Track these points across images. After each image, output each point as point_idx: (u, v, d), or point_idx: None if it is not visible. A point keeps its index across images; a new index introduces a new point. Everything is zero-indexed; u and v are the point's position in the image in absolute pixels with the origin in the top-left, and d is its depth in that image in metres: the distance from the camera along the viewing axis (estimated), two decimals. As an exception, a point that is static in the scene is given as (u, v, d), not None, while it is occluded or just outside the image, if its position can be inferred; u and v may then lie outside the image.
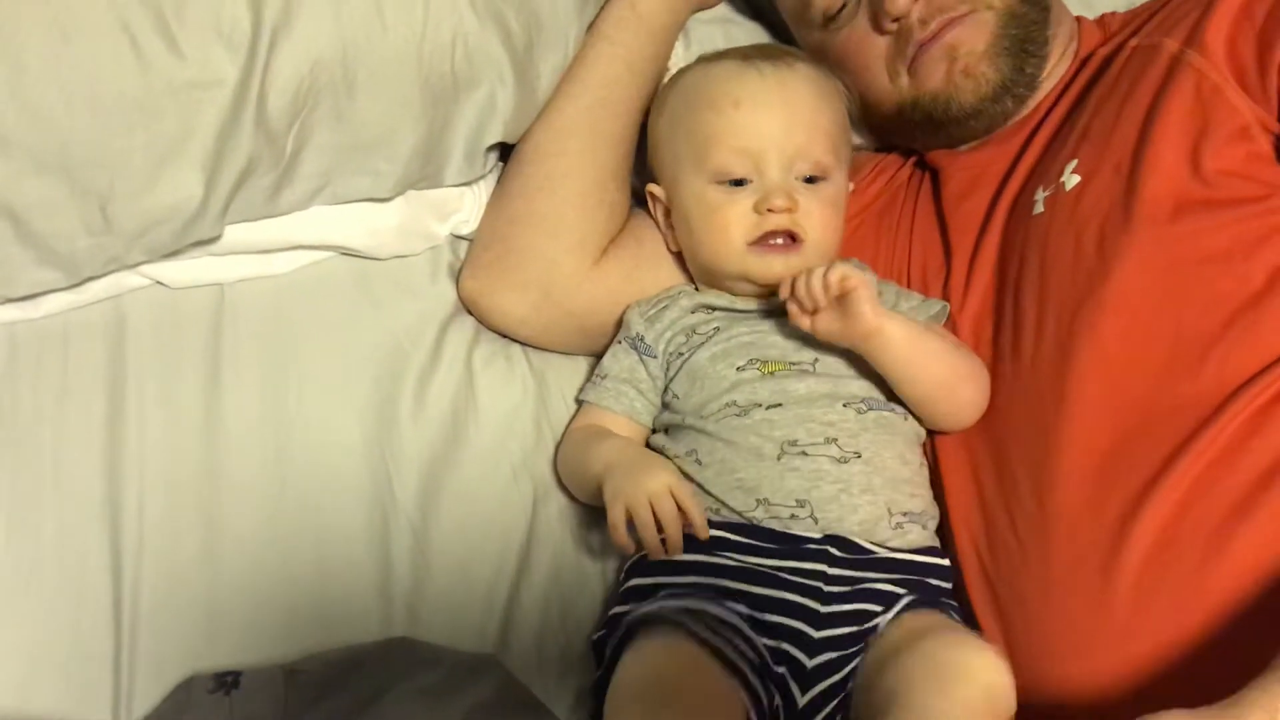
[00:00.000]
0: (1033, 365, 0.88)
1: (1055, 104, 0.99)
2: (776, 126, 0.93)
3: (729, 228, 0.93)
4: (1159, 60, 0.91)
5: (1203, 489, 0.77)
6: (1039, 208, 0.92)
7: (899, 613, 0.85)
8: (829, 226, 0.94)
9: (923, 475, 0.93)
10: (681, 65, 1.05)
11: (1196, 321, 0.82)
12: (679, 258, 1.02)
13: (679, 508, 0.84)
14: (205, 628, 0.87)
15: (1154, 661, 0.76)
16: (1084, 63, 1.00)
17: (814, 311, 0.88)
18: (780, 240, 0.93)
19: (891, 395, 0.93)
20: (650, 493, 0.84)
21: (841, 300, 0.86)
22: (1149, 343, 0.83)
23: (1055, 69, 1.01)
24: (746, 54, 0.98)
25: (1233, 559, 0.75)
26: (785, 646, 0.82)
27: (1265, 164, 0.85)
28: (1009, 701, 0.75)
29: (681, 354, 0.95)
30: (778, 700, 0.82)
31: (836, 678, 0.82)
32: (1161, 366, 0.82)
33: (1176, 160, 0.86)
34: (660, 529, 0.83)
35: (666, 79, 1.05)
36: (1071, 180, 0.91)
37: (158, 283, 0.96)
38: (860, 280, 0.86)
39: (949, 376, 0.90)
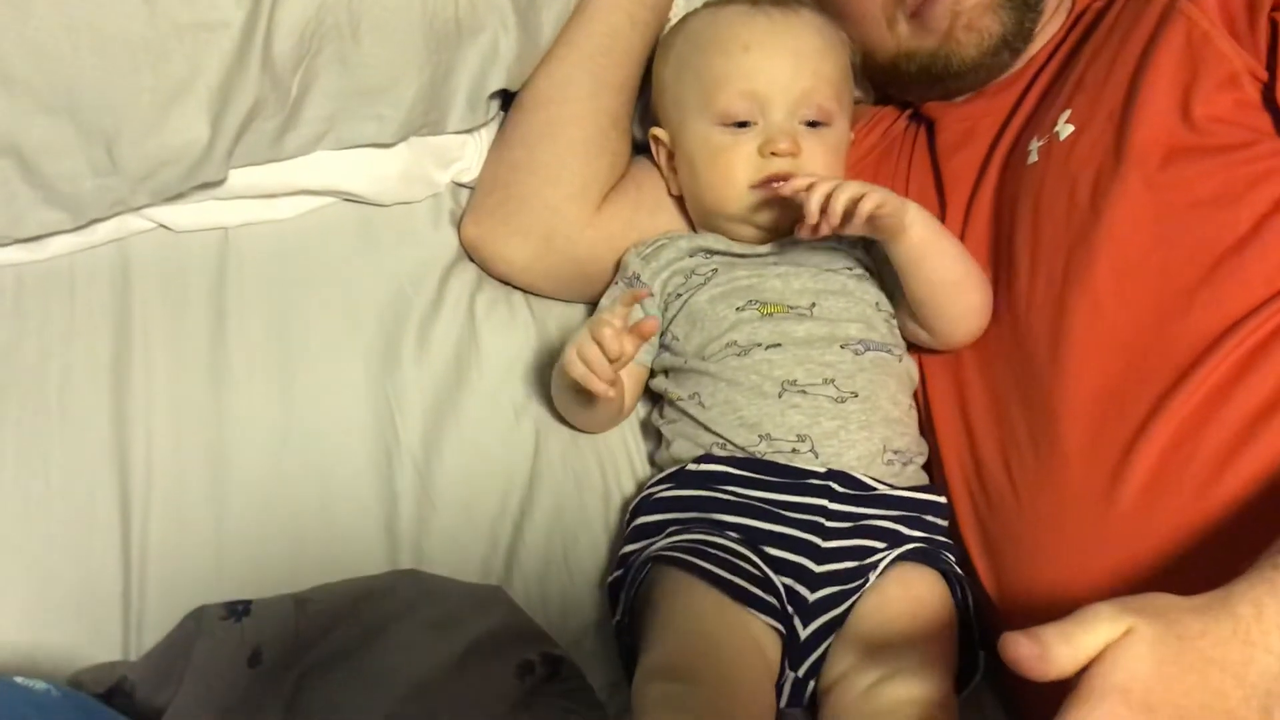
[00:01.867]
0: (1027, 312, 0.89)
1: (1051, 56, 0.99)
2: (784, 70, 0.94)
3: (733, 170, 0.95)
4: (1151, 9, 0.91)
5: (1194, 427, 0.78)
6: (1033, 157, 0.93)
7: (897, 559, 0.85)
8: (831, 171, 0.95)
9: (912, 416, 0.94)
10: (683, 14, 1.05)
11: (1184, 265, 0.82)
12: (679, 203, 1.03)
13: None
14: (213, 566, 0.88)
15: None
16: (1080, 15, 1.00)
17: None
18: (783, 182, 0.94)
19: (887, 336, 0.94)
20: (589, 330, 0.87)
21: (870, 220, 0.86)
22: (1139, 287, 0.84)
23: (1051, 21, 1.01)
24: None
25: (1224, 495, 0.76)
26: (787, 580, 0.84)
27: (1253, 111, 0.85)
28: None
29: (680, 295, 0.96)
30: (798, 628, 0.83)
31: (837, 612, 0.84)
32: (1151, 310, 0.83)
33: (1167, 107, 0.86)
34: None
35: (670, 26, 1.05)
36: (1065, 130, 0.91)
37: (161, 226, 0.97)
38: (882, 198, 0.86)
39: (961, 274, 0.91)
